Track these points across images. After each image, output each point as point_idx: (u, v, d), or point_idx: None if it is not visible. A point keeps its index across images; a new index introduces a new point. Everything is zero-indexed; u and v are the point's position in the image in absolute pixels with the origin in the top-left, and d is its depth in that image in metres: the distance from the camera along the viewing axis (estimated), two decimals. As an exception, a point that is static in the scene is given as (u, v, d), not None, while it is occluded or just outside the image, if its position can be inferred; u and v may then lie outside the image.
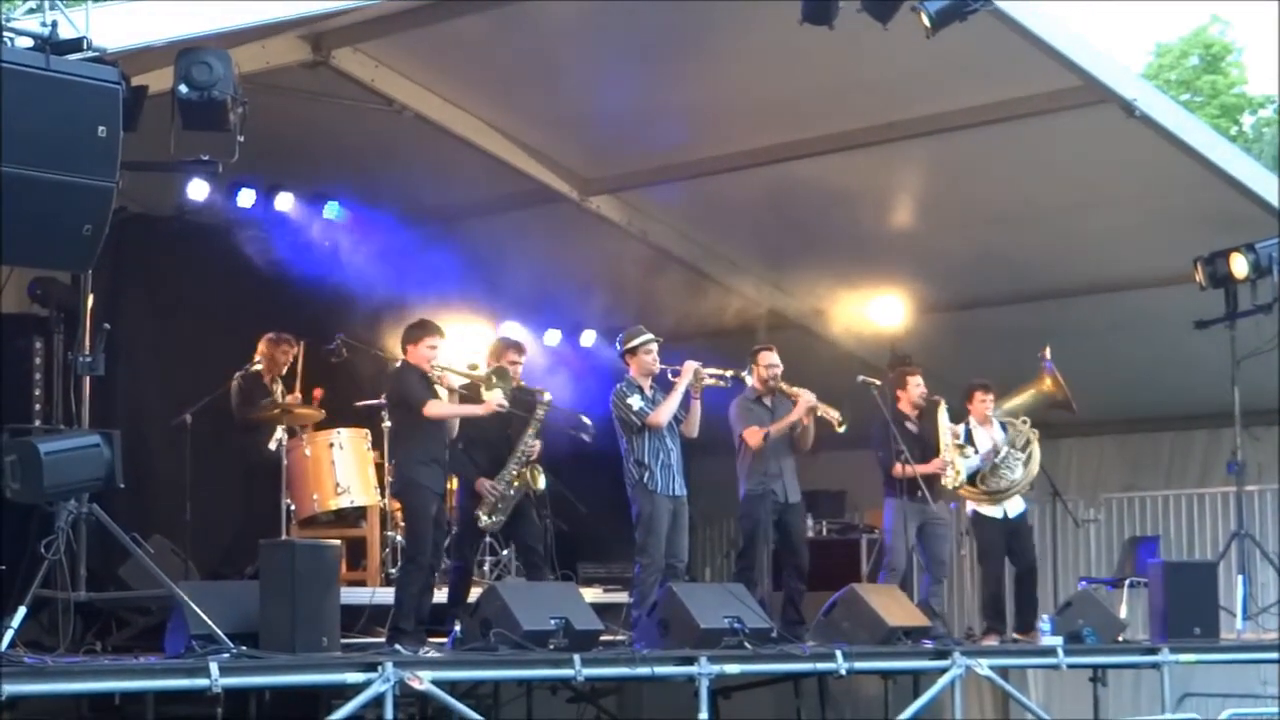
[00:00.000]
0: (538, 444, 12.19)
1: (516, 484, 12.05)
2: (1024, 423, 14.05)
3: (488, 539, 13.53)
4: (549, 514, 12.27)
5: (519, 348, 12.39)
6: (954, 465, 13.58)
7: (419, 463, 11.33)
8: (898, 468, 13.40)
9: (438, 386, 11.60)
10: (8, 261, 9.07)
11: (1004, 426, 13.99)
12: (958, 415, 14.03)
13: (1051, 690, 15.77)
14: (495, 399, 11.63)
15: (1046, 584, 15.90)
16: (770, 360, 13.10)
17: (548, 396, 12.25)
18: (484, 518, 12.04)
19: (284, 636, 9.42)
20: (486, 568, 14.12)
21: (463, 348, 13.33)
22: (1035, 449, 13.98)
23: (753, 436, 12.83)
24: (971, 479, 13.82)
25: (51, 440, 9.06)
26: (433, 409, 11.39)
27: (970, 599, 16.37)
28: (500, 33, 12.38)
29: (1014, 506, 13.95)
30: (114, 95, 8.49)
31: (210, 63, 9.24)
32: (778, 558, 12.97)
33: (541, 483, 12.15)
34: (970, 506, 14.01)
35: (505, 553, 14.09)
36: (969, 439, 13.87)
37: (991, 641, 13.42)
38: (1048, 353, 14.38)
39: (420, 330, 11.57)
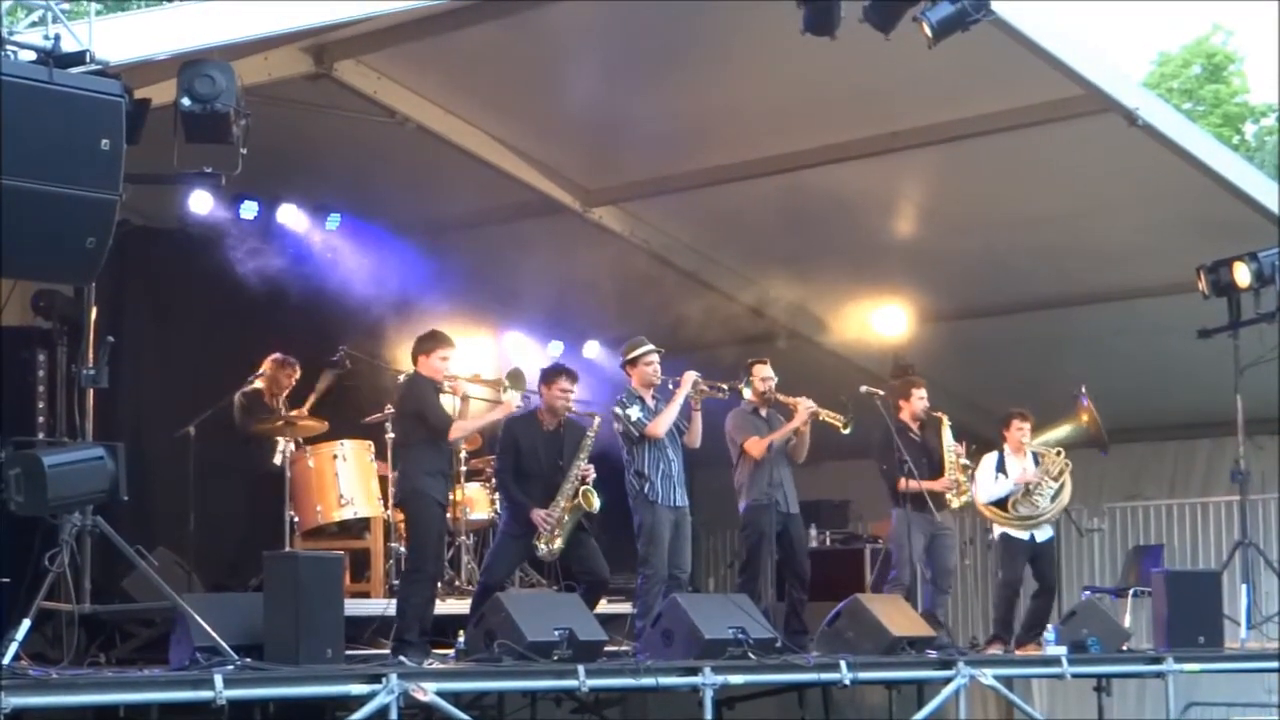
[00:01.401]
0: (590, 468, 12.06)
1: (571, 510, 11.93)
2: (1058, 453, 14.02)
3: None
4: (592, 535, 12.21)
5: (571, 375, 12.16)
6: (960, 484, 13.59)
7: (425, 473, 11.27)
8: (903, 482, 13.40)
9: (449, 395, 11.60)
10: (11, 274, 9.07)
11: (1036, 457, 13.98)
12: (975, 438, 14.07)
13: (1056, 700, 15.78)
14: (513, 399, 11.62)
15: (1051, 593, 15.94)
16: (765, 373, 13.09)
17: (598, 420, 12.20)
18: (543, 547, 11.85)
19: (288, 648, 9.41)
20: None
21: (466, 359, 13.35)
22: (1068, 480, 13.95)
23: (755, 447, 12.83)
24: (1002, 504, 13.82)
25: (55, 453, 9.05)
26: (455, 432, 11.42)
27: (975, 609, 16.37)
28: (502, 44, 12.39)
29: (1041, 532, 13.95)
30: (117, 108, 8.49)
31: (213, 75, 9.25)
32: (780, 568, 12.97)
33: (596, 503, 11.95)
34: (998, 529, 13.98)
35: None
36: (1001, 466, 13.89)
37: (995, 651, 13.41)
38: (1084, 389, 14.32)
39: (432, 342, 11.52)
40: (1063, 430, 14.41)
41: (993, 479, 13.87)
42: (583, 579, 12.11)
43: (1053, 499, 13.88)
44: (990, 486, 13.87)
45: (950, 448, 13.70)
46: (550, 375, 12.15)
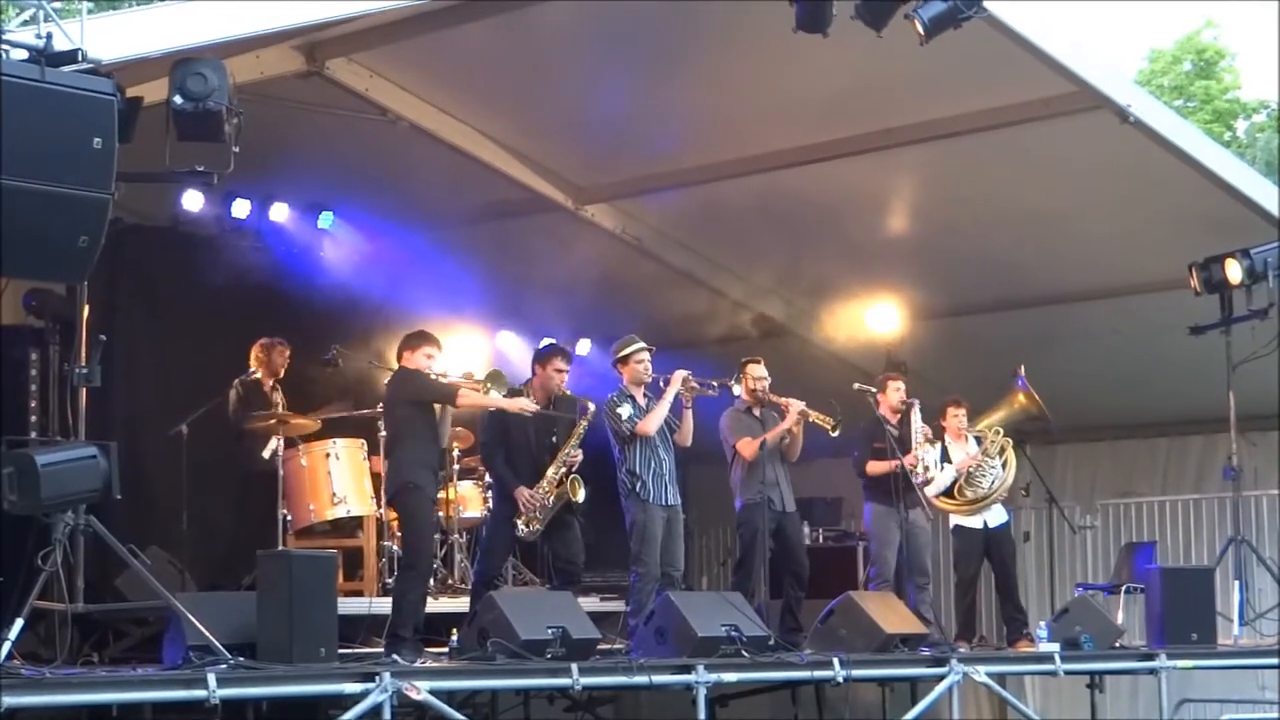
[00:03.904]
0: (579, 454, 12.09)
1: (556, 495, 11.96)
2: (997, 432, 14.10)
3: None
4: (581, 519, 12.19)
5: (565, 355, 12.26)
6: (923, 461, 13.61)
7: (416, 467, 11.27)
8: (871, 465, 13.49)
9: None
10: (4, 274, 9.06)
11: (978, 440, 14.05)
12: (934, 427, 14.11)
13: (1049, 697, 15.78)
14: (522, 403, 11.64)
15: (1044, 591, 15.94)
16: (758, 372, 13.12)
17: (592, 406, 12.21)
18: (522, 527, 11.87)
19: (281, 647, 9.41)
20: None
21: (459, 357, 13.34)
22: (1010, 456, 14.06)
23: (747, 447, 12.84)
24: (949, 492, 13.87)
25: (48, 452, 9.07)
26: (464, 399, 11.37)
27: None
28: (494, 42, 12.38)
29: (994, 517, 14.02)
30: (109, 107, 8.49)
31: (205, 74, 9.23)
32: (777, 566, 12.98)
33: (581, 494, 12.00)
34: (952, 519, 14.04)
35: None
36: (944, 455, 13.96)
37: (962, 647, 13.38)
38: (1022, 370, 14.43)
39: (419, 340, 11.53)
40: (999, 414, 14.47)
41: (938, 470, 13.91)
42: (557, 566, 12.13)
43: (997, 479, 13.94)
44: (937, 478, 13.92)
45: (917, 429, 13.75)
46: (545, 355, 12.20)
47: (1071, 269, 14.84)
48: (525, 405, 11.67)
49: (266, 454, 13.21)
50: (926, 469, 13.67)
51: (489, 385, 11.70)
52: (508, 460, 11.99)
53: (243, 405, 13.49)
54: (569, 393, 12.23)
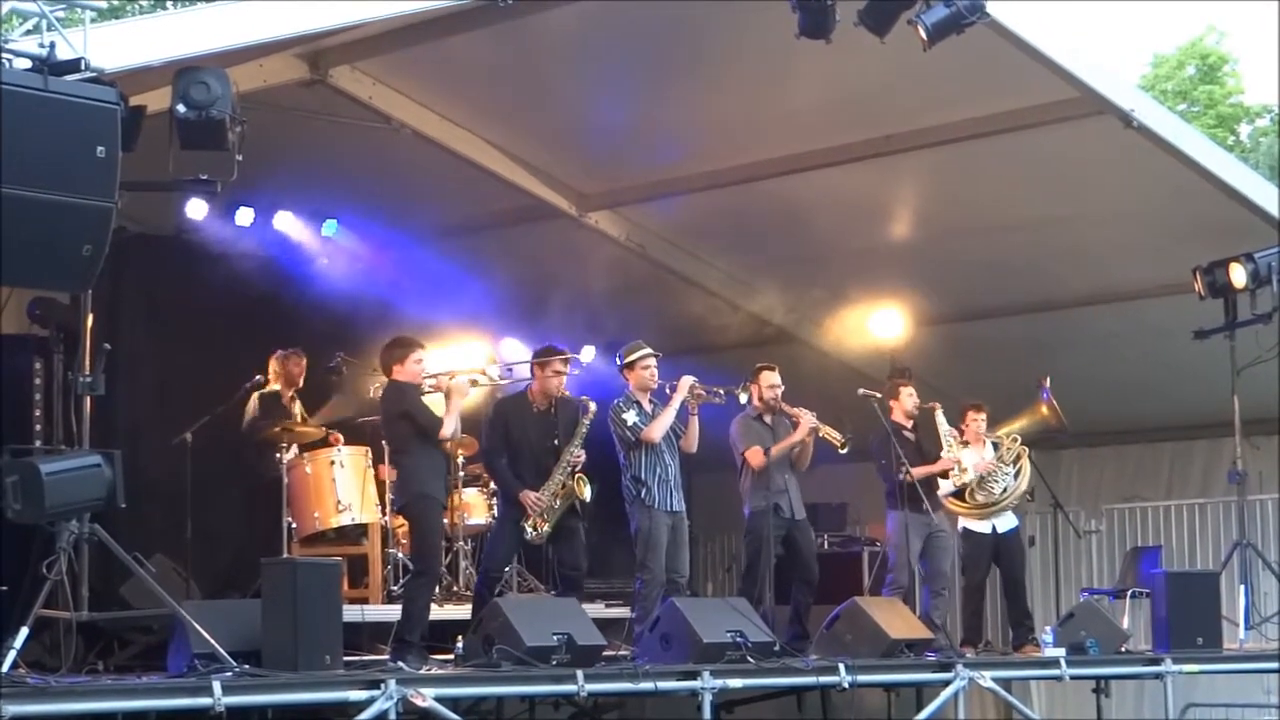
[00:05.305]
0: (582, 453, 12.08)
1: (562, 495, 11.96)
2: (1014, 440, 14.11)
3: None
4: (585, 524, 12.19)
5: (563, 357, 12.27)
6: (960, 463, 13.67)
7: (426, 476, 11.29)
8: (915, 470, 13.43)
9: (435, 393, 11.58)
10: (7, 282, 9.08)
11: (995, 445, 14.06)
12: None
13: (1054, 702, 15.75)
14: (492, 374, 11.64)
15: (1049, 595, 15.93)
16: (772, 380, 13.11)
17: (593, 406, 12.21)
18: (529, 530, 11.88)
19: (286, 654, 9.41)
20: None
21: (461, 365, 13.34)
22: (1025, 464, 14.07)
23: (755, 457, 12.85)
24: (960, 494, 13.88)
25: (52, 460, 9.05)
26: (447, 428, 11.33)
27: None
28: (498, 50, 12.39)
29: (1003, 523, 14.02)
30: (112, 115, 8.49)
31: (208, 82, 9.23)
32: (787, 573, 12.99)
33: (587, 492, 12.01)
34: (961, 522, 14.04)
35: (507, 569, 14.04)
36: None
37: (968, 653, 13.37)
38: (1047, 382, 14.41)
39: (402, 348, 11.44)
40: (1020, 422, 14.48)
41: (974, 473, 13.92)
42: (561, 573, 12.14)
43: (1009, 486, 13.95)
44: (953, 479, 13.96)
45: (945, 431, 13.78)
46: (544, 355, 12.16)
47: (1075, 274, 14.84)
48: (463, 383, 11.55)
49: (285, 464, 13.24)
50: (965, 470, 13.72)
51: (485, 371, 11.74)
52: (511, 465, 12.00)
53: (264, 416, 13.52)
54: (569, 394, 12.24)
